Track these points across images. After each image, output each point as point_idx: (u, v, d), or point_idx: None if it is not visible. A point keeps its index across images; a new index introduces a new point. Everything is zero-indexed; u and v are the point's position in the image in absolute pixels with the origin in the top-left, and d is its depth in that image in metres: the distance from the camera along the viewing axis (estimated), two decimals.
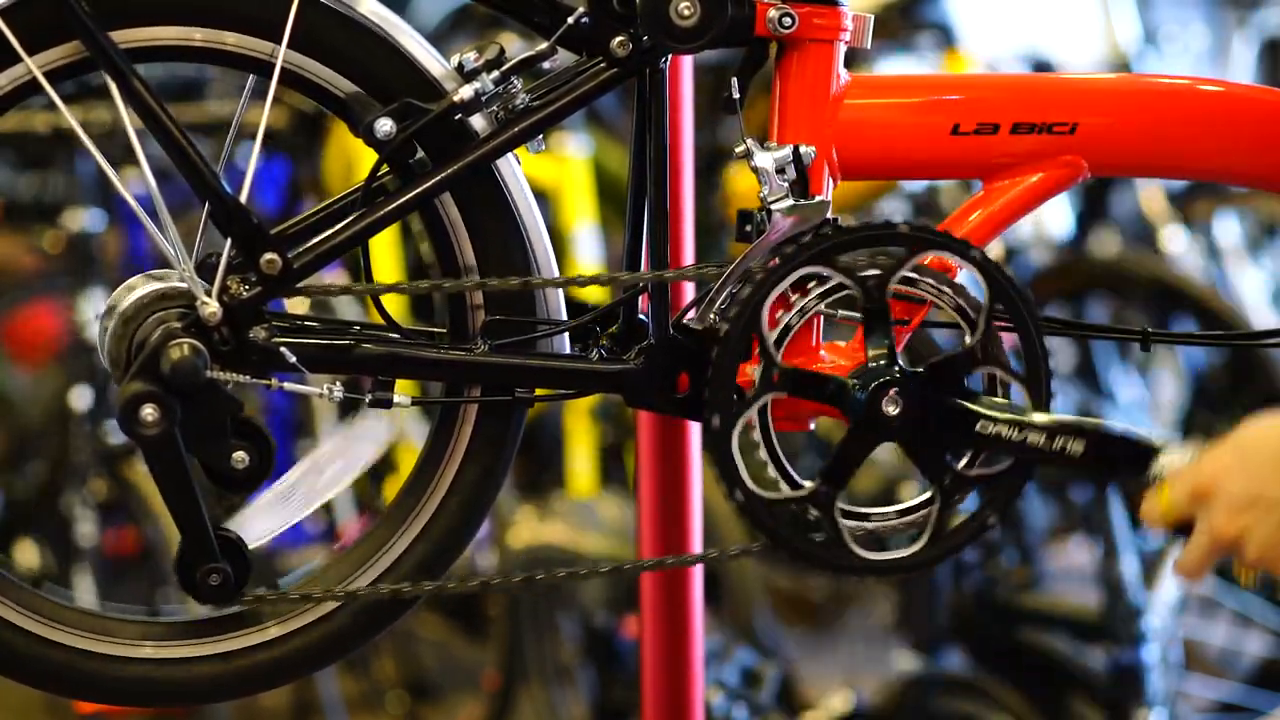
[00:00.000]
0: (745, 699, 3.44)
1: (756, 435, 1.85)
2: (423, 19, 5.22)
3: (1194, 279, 4.50)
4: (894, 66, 5.01)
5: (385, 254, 4.54)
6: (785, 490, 1.86)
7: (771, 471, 1.86)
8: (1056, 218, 4.38)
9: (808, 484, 1.86)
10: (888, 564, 1.89)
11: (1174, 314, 4.32)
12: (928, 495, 1.88)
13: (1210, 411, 4.44)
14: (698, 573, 2.31)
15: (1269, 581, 3.96)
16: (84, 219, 4.04)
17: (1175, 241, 4.68)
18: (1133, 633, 3.43)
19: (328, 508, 4.35)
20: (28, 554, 4.06)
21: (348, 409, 1.90)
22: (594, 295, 2.00)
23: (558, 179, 4.57)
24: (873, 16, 1.93)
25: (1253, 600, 3.97)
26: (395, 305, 4.54)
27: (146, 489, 3.88)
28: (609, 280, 1.94)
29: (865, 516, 1.89)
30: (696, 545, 2.29)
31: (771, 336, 1.83)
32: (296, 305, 4.03)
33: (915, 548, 1.89)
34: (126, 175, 1.93)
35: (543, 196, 4.63)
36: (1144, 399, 4.24)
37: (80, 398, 3.93)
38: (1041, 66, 4.76)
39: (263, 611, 1.92)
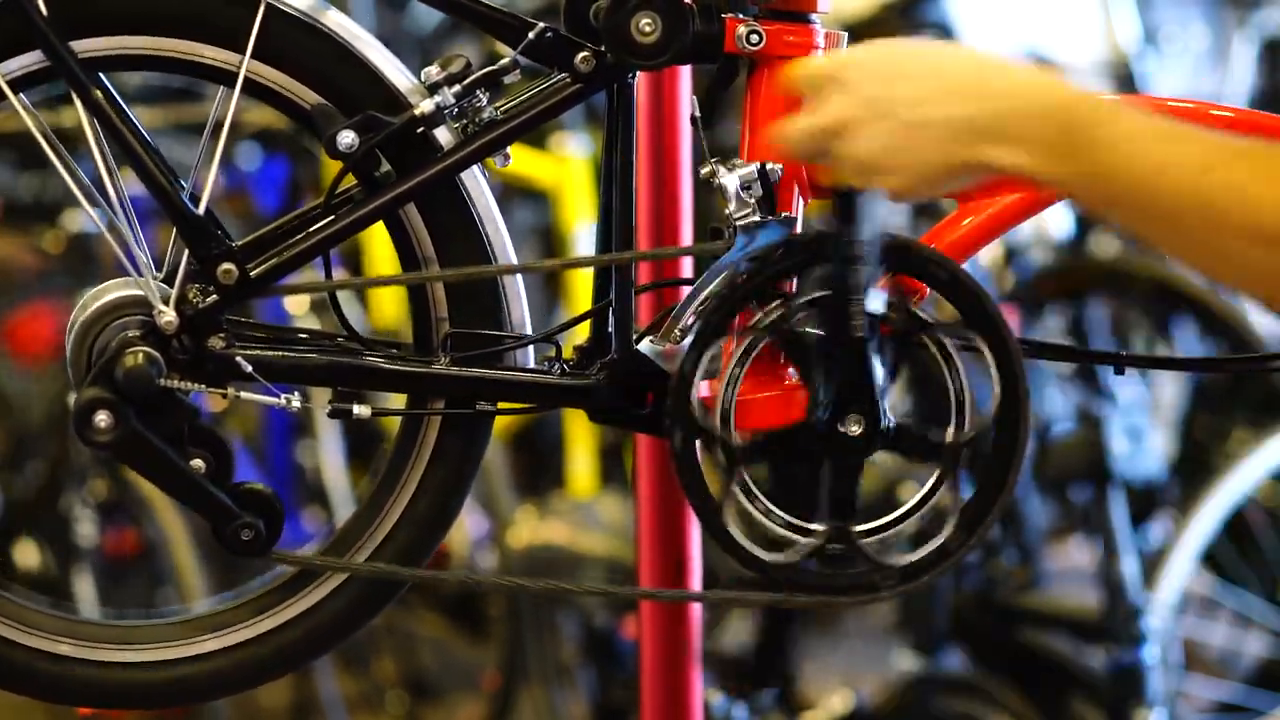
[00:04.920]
0: (745, 699, 3.44)
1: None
2: (421, 23, 5.23)
3: (1194, 279, 4.49)
4: None
5: (384, 264, 4.55)
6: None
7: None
8: (1056, 218, 4.38)
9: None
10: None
11: (1174, 314, 4.31)
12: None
13: (1210, 412, 4.43)
14: (697, 573, 2.31)
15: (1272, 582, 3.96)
16: (84, 219, 4.04)
17: None
18: (1133, 633, 3.42)
19: (326, 508, 4.36)
20: (28, 554, 4.06)
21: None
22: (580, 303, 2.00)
23: (558, 179, 4.57)
24: (847, 34, 1.92)
25: (1253, 600, 3.96)
26: (396, 317, 4.55)
27: (147, 489, 3.89)
28: (564, 265, 1.94)
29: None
30: (696, 545, 2.29)
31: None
32: (297, 307, 4.08)
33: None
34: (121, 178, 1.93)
35: (543, 196, 4.64)
36: (1144, 399, 4.23)
37: None
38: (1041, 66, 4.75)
39: (252, 607, 1.94)
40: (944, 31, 4.77)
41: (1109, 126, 1.58)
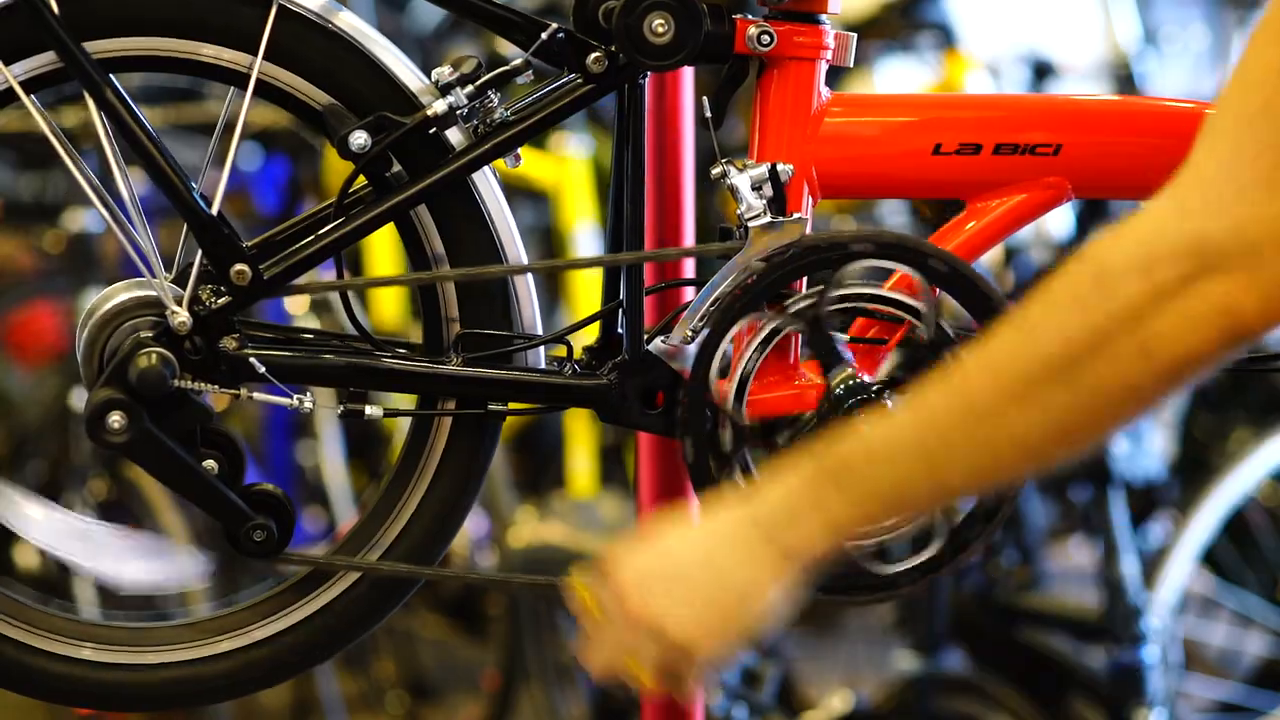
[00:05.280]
0: (745, 699, 3.43)
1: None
2: (422, 21, 5.23)
3: None
4: (894, 66, 5.01)
5: (385, 264, 4.56)
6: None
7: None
8: (1057, 218, 4.38)
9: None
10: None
11: None
12: None
13: (1210, 411, 4.44)
14: None
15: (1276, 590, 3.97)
16: (84, 219, 4.04)
17: None
18: (1133, 633, 3.42)
19: (327, 508, 4.36)
20: (28, 554, 4.06)
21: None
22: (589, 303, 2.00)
23: (558, 179, 4.57)
24: (855, 35, 1.92)
25: (1253, 600, 3.97)
26: (397, 317, 4.55)
27: (147, 489, 3.89)
28: (572, 265, 1.93)
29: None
30: None
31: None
32: (297, 307, 4.08)
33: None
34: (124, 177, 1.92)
35: (543, 196, 4.63)
36: None
37: (80, 398, 3.91)
38: (1042, 66, 4.76)
39: (263, 609, 1.94)
40: (944, 32, 4.77)
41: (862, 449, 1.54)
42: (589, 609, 1.64)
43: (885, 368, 1.86)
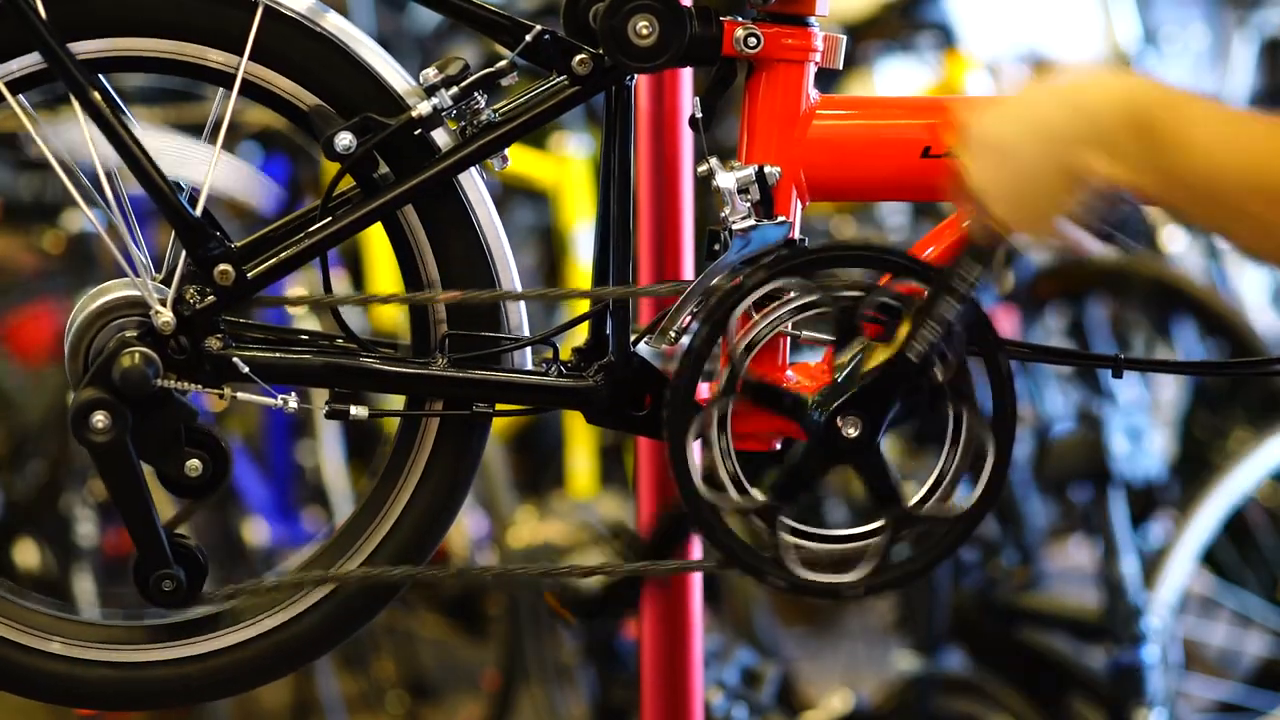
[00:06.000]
0: (745, 699, 3.43)
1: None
2: (421, 22, 5.23)
3: (1194, 279, 4.49)
4: (894, 67, 5.02)
5: (383, 264, 4.56)
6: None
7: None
8: None
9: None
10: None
11: (1174, 314, 4.32)
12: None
13: (1210, 411, 4.44)
14: (697, 573, 2.31)
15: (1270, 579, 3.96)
16: (84, 219, 4.05)
17: (1175, 241, 4.68)
18: (1133, 633, 3.42)
19: (326, 508, 4.36)
20: (28, 554, 4.07)
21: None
22: (579, 304, 1.99)
23: (558, 179, 4.58)
24: (847, 36, 1.92)
25: (1253, 600, 3.97)
26: (396, 315, 4.55)
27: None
28: (568, 295, 1.93)
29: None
30: (696, 545, 2.29)
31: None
32: (295, 307, 4.06)
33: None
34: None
35: (543, 196, 4.63)
36: (1144, 399, 4.24)
37: None
38: (1042, 67, 4.76)
39: (226, 616, 1.94)
40: (944, 32, 4.77)
41: (1182, 128, 1.64)
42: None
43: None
